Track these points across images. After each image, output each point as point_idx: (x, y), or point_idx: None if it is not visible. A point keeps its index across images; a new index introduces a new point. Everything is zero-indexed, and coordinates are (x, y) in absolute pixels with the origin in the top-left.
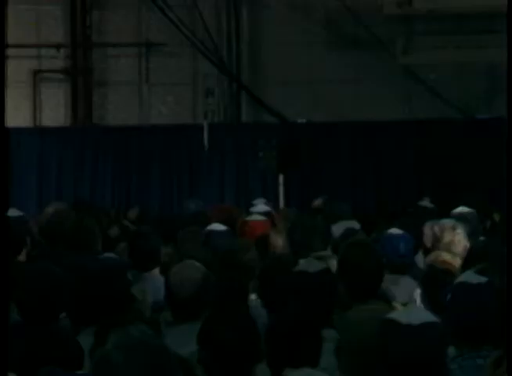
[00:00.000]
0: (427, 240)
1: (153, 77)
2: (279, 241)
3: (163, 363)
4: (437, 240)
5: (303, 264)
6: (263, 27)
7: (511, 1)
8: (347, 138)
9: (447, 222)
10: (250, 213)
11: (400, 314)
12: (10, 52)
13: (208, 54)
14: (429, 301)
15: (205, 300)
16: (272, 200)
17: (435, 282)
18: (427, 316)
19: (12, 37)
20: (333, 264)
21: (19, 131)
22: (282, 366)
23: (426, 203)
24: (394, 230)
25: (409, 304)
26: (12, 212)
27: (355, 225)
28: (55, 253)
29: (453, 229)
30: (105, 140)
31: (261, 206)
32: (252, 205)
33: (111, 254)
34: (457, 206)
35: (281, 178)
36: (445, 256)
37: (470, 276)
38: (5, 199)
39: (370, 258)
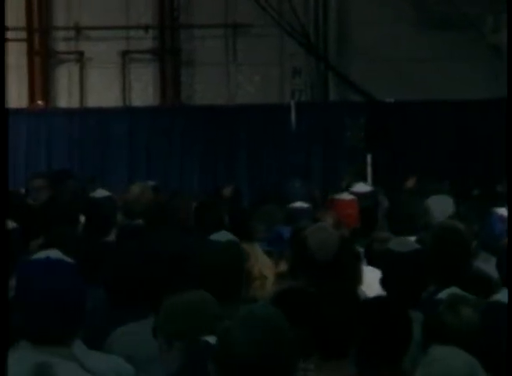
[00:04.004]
0: None
1: (240, 57)
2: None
3: (283, 341)
4: None
5: (395, 243)
6: (351, 5)
7: (511, 1)
8: (435, 117)
9: None
10: (336, 192)
11: None
12: (100, 33)
13: (295, 34)
14: None
15: (342, 263)
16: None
17: None
18: None
19: (101, 19)
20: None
21: (109, 110)
22: (373, 347)
23: None
24: (496, 210)
25: None
26: (101, 192)
27: (449, 204)
28: (143, 232)
29: None
30: (193, 119)
31: (362, 185)
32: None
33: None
34: None
35: (369, 157)
36: None
37: None
38: (5, 196)
39: (459, 242)
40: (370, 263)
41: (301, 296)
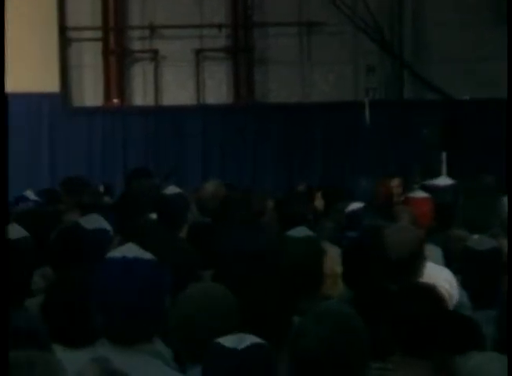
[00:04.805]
0: None
1: (314, 55)
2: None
3: (354, 340)
4: None
5: (473, 241)
6: (426, 2)
7: (511, 1)
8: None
9: None
10: (412, 189)
11: None
12: (174, 32)
13: (369, 31)
14: None
15: (419, 263)
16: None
17: None
18: None
19: (175, 18)
20: (504, 243)
21: (183, 109)
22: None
23: None
24: None
25: None
26: (172, 189)
27: None
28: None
29: None
30: (266, 118)
31: (443, 179)
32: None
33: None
34: None
35: (444, 155)
36: None
37: None
38: (4, 192)
39: None
40: (448, 261)
41: (379, 294)
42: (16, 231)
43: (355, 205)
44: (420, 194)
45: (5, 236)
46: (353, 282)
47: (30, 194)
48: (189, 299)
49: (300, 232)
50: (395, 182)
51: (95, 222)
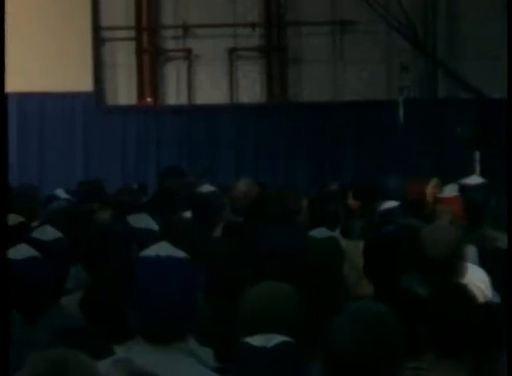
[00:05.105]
0: None
1: (347, 54)
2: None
3: (387, 340)
4: None
5: (505, 241)
6: (460, 0)
7: (511, 1)
8: None
9: None
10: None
11: None
12: (208, 31)
13: (403, 30)
14: None
15: (458, 262)
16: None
17: None
18: None
19: (209, 17)
20: None
21: (216, 108)
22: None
23: None
24: None
25: None
26: (207, 188)
27: None
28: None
29: None
30: (299, 116)
31: (474, 178)
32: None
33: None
34: None
35: (477, 154)
36: None
37: None
38: (5, 191)
39: None
40: (483, 261)
41: (414, 293)
42: (49, 232)
43: (389, 204)
44: (451, 193)
45: (5, 235)
46: (375, 276)
47: (60, 193)
48: (256, 298)
49: (321, 232)
50: (433, 183)
51: (142, 221)
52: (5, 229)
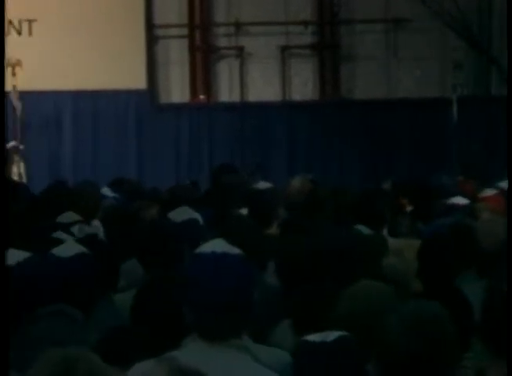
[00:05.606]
0: None
1: (400, 51)
2: None
3: (441, 339)
4: None
5: None
6: None
7: (511, 1)
8: None
9: None
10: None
11: None
12: (260, 29)
13: (457, 27)
14: None
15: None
16: None
17: None
18: None
19: (261, 15)
20: None
21: (269, 105)
22: None
23: None
24: None
25: None
26: (263, 184)
27: None
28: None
29: None
30: (352, 114)
31: None
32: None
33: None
34: None
35: None
36: None
37: None
38: (5, 190)
39: None
40: None
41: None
42: (99, 229)
43: (455, 200)
44: (492, 191)
45: (5, 235)
46: (429, 276)
47: (106, 191)
48: (356, 296)
49: (363, 230)
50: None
51: (184, 214)
52: (5, 225)
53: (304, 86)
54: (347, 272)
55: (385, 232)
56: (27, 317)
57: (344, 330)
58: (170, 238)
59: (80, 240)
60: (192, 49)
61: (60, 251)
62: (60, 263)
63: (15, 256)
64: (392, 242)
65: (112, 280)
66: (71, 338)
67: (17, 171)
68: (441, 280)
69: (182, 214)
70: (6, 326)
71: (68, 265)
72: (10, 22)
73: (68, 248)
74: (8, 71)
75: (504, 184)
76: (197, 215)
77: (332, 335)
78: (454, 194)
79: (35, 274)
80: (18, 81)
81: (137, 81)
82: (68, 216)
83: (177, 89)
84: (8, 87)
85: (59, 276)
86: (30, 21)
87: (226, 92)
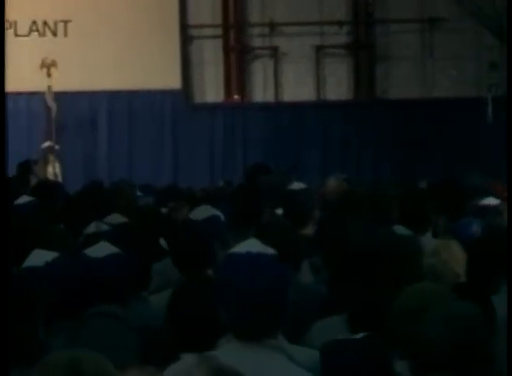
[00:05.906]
0: None
1: (436, 51)
2: None
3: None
4: None
5: None
6: None
7: (511, 2)
8: None
9: None
10: None
11: None
12: (294, 29)
13: (492, 27)
14: None
15: None
16: None
17: None
18: None
19: (295, 15)
20: None
21: (303, 105)
22: None
23: None
24: None
25: None
26: (298, 185)
27: None
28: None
29: None
30: (387, 114)
31: None
32: None
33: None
34: None
35: None
36: None
37: None
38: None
39: None
40: None
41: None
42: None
43: (488, 201)
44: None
45: (5, 233)
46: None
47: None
48: (413, 295)
49: (400, 230)
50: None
51: (205, 212)
52: (5, 227)
53: (338, 86)
54: (390, 274)
55: (428, 234)
56: (76, 318)
57: (400, 328)
58: (203, 239)
59: (113, 241)
60: (226, 49)
61: (93, 252)
62: (93, 264)
63: (42, 257)
64: (428, 242)
65: (144, 280)
66: (121, 339)
67: (52, 171)
68: (489, 281)
69: (203, 212)
70: (6, 326)
71: (101, 265)
72: (45, 23)
73: (101, 249)
74: (43, 72)
75: None
76: (218, 213)
77: (360, 333)
78: (486, 195)
79: (68, 275)
80: (53, 81)
81: (172, 81)
82: (114, 218)
83: (211, 89)
84: (43, 88)
85: (91, 277)
86: (65, 22)
87: (260, 91)
